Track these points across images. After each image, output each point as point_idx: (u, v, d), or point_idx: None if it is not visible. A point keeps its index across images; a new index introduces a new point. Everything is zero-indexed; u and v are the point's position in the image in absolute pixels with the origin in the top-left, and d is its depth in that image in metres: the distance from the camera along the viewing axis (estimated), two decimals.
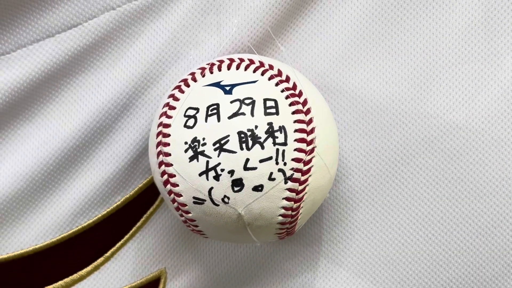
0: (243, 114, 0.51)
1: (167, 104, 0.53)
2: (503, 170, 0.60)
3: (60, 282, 0.63)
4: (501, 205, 0.60)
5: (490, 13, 0.58)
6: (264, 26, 0.58)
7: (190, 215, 0.53)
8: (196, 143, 0.51)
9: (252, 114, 0.51)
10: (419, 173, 0.60)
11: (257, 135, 0.50)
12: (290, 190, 0.51)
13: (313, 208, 0.54)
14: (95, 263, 0.63)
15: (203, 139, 0.50)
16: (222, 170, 0.50)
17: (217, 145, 0.50)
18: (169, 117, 0.53)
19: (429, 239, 0.61)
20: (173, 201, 0.53)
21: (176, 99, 0.53)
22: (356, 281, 0.62)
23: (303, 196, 0.52)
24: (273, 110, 0.51)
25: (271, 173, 0.50)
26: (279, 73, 0.53)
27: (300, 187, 0.51)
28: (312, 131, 0.52)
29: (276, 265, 0.63)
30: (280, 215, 0.52)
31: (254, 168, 0.50)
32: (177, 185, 0.52)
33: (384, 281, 0.62)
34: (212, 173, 0.50)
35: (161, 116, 0.53)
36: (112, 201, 0.62)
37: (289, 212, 0.52)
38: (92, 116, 0.60)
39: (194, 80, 0.53)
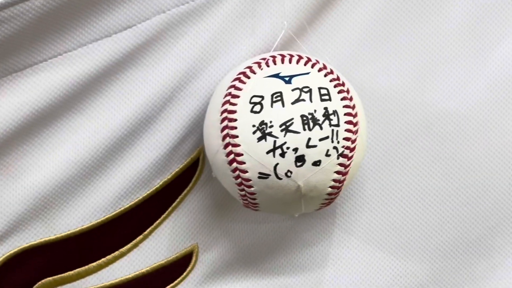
0: (304, 100, 0.60)
1: (229, 94, 0.61)
2: (487, 150, 0.71)
3: (103, 259, 0.70)
4: (485, 179, 0.72)
5: (478, 15, 0.70)
6: (287, 30, 0.67)
7: (252, 189, 0.61)
8: (264, 126, 0.59)
9: (310, 100, 0.60)
10: (418, 153, 0.71)
11: (316, 118, 0.59)
12: (340, 164, 0.61)
13: (350, 182, 0.64)
14: (134, 241, 0.70)
15: (270, 122, 0.59)
16: (288, 148, 0.59)
17: (283, 126, 0.59)
18: (233, 104, 0.61)
19: (426, 209, 0.72)
20: (237, 177, 0.61)
21: (238, 88, 0.61)
22: (366, 247, 0.72)
23: (349, 170, 0.61)
24: (327, 97, 0.60)
25: (328, 150, 0.60)
26: (325, 66, 0.62)
27: (348, 162, 0.61)
28: (356, 114, 0.61)
29: (296, 236, 0.72)
30: (330, 186, 0.61)
31: (315, 146, 0.59)
32: (244, 163, 0.60)
33: (389, 246, 0.72)
34: (278, 151, 0.59)
35: (224, 104, 0.61)
36: (152, 184, 0.69)
37: (337, 184, 0.61)
38: (139, 108, 0.66)
39: (253, 72, 0.62)
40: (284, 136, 0.59)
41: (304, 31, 0.68)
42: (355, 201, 0.72)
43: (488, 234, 0.73)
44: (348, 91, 0.62)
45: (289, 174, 0.60)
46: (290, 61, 0.62)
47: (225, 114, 0.61)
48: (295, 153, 0.59)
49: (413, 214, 0.72)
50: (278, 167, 0.59)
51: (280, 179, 0.60)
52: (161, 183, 0.69)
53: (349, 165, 0.61)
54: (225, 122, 0.61)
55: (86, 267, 0.69)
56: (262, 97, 0.60)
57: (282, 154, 0.59)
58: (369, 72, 0.70)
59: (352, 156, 0.61)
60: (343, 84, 0.62)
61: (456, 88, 0.70)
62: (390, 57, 0.70)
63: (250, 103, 0.60)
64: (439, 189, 0.72)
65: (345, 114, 0.61)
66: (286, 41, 0.68)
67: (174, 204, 0.70)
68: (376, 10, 0.69)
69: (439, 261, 0.73)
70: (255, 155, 0.60)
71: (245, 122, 0.60)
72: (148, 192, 0.69)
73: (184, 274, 0.71)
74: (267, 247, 0.72)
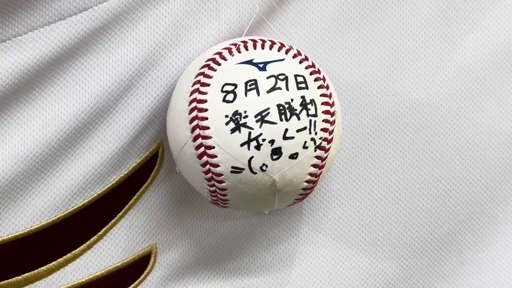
0: (280, 88, 0.56)
1: (198, 82, 0.57)
2: (458, 141, 0.69)
3: (54, 263, 0.64)
4: (455, 171, 0.69)
5: (448, 3, 0.67)
6: (252, 14, 0.63)
7: (223, 184, 0.57)
8: (238, 116, 0.55)
9: (287, 89, 0.56)
10: (387, 145, 0.68)
11: (293, 107, 0.55)
12: (317, 157, 0.57)
13: (325, 175, 0.60)
14: (88, 242, 0.65)
15: (245, 112, 0.55)
16: (264, 140, 0.55)
17: (259, 117, 0.55)
18: (203, 93, 0.56)
19: (396, 203, 0.69)
20: (207, 172, 0.56)
21: (208, 76, 0.57)
22: (334, 244, 0.69)
23: (325, 163, 0.58)
24: (303, 85, 0.56)
25: (305, 142, 0.56)
26: (299, 53, 0.58)
27: (325, 155, 0.57)
28: (333, 104, 0.58)
29: (262, 234, 0.68)
30: (306, 181, 0.57)
31: (292, 138, 0.55)
32: (215, 156, 0.56)
33: (358, 243, 0.69)
34: (253, 143, 0.55)
35: (192, 93, 0.57)
36: (108, 181, 0.64)
37: (313, 178, 0.58)
38: (94, 98, 0.61)
39: (223, 58, 0.57)
40: (260, 127, 0.55)
41: (269, 16, 0.64)
42: (323, 196, 0.68)
43: (458, 229, 0.70)
44: (324, 79, 0.58)
45: (264, 168, 0.55)
46: (262, 47, 0.58)
47: (194, 104, 0.56)
48: (271, 145, 0.55)
49: (382, 209, 0.69)
50: (252, 160, 0.55)
51: (255, 173, 0.56)
52: (117, 179, 0.64)
53: (326, 157, 0.57)
54: (195, 112, 0.56)
55: (36, 271, 0.64)
56: (235, 85, 0.56)
57: (258, 147, 0.55)
58: (337, 60, 0.66)
59: (329, 148, 0.57)
60: (318, 72, 0.58)
61: (427, 77, 0.68)
62: (359, 44, 0.66)
63: (222, 91, 0.56)
64: (409, 183, 0.69)
65: (322, 104, 0.57)
66: (251, 26, 0.63)
67: (130, 202, 0.65)
68: None
69: (409, 258, 0.70)
70: (228, 148, 0.55)
71: (216, 112, 0.56)
72: (103, 189, 0.64)
73: (142, 276, 0.66)
74: (231, 246, 0.68)
